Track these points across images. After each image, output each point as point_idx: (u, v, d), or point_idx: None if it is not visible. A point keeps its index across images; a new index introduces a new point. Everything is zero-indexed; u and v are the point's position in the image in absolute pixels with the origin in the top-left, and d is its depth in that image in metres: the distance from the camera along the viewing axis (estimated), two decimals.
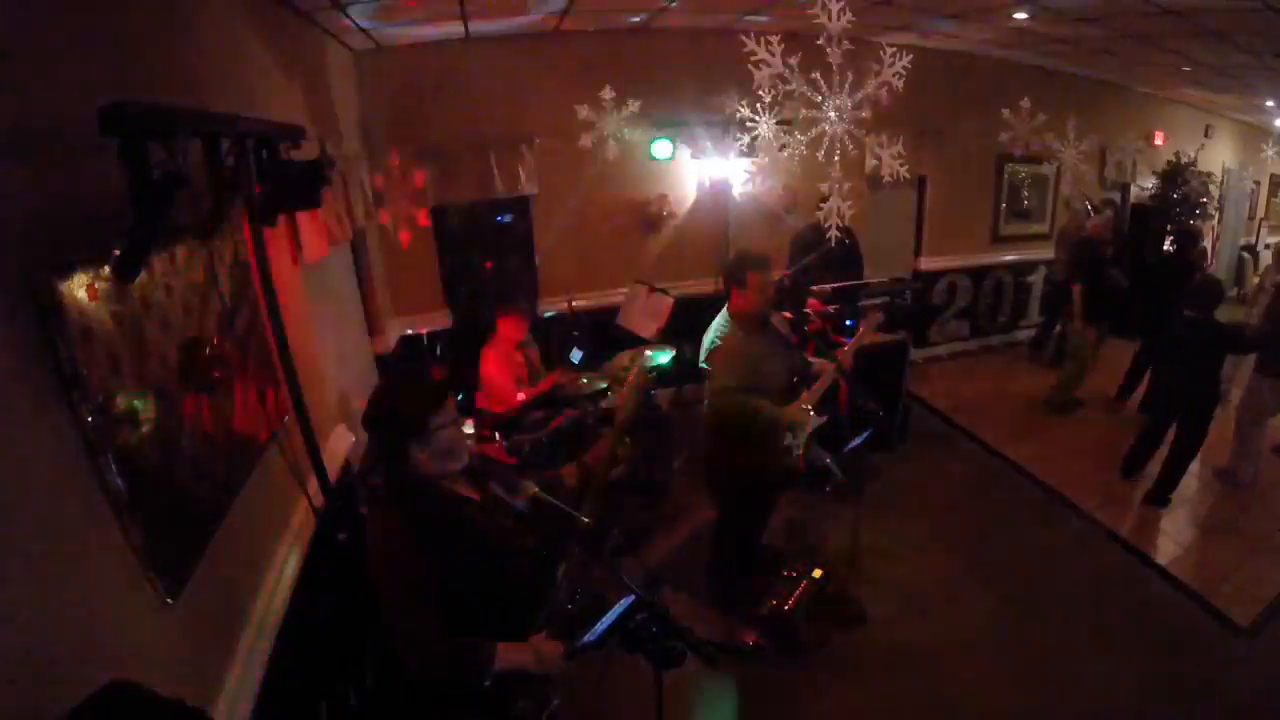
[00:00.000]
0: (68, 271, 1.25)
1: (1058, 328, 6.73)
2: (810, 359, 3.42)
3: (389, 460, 1.75)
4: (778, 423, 2.96)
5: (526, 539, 1.86)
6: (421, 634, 1.59)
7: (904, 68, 2.87)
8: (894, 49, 2.89)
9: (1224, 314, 4.31)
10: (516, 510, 1.91)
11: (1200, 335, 4.09)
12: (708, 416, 3.13)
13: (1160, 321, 4.78)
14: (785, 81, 2.87)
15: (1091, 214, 6.46)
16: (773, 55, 2.84)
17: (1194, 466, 4.39)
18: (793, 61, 2.86)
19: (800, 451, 3.04)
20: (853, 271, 5.52)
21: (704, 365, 3.07)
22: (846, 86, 2.94)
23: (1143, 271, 6.07)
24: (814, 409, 3.14)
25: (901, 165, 3.09)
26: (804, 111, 2.97)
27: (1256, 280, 8.05)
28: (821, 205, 3.11)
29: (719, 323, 3.09)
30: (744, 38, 2.84)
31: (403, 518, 1.66)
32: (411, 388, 1.80)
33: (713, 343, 3.04)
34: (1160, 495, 4.35)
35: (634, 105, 4.81)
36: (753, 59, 2.84)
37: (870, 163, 3.20)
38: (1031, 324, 7.63)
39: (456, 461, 1.75)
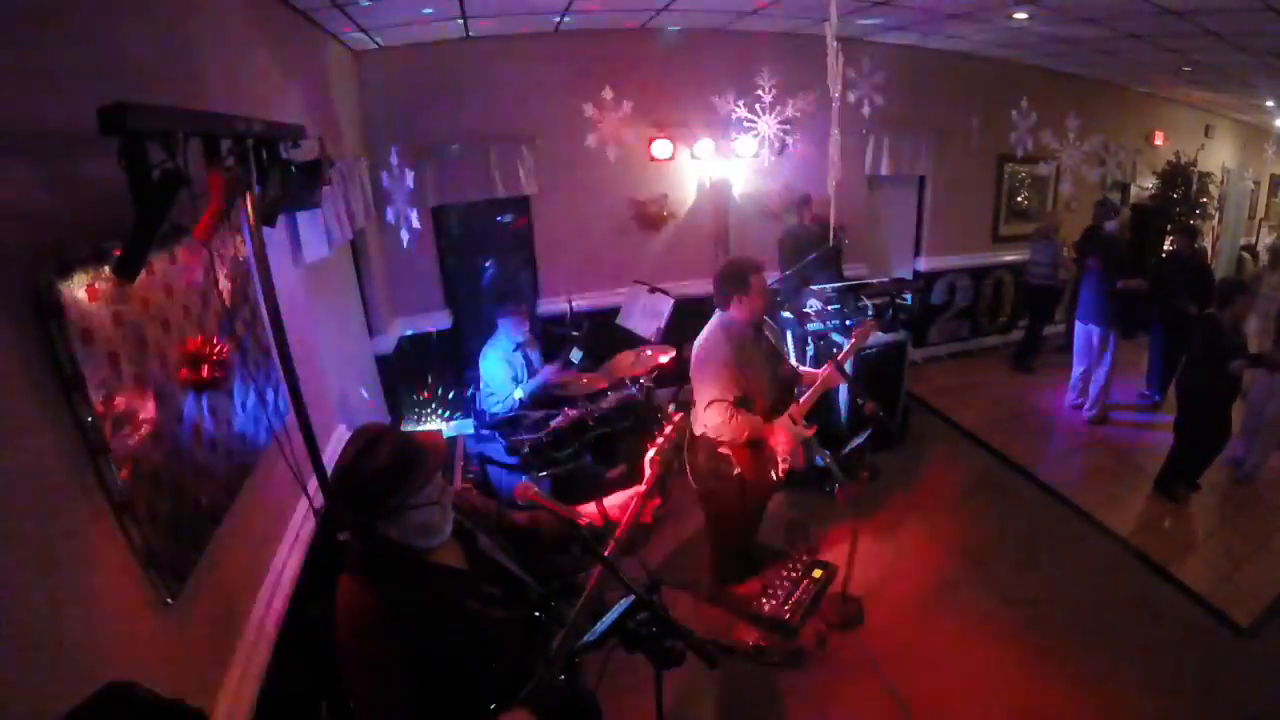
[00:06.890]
0: (68, 271, 1.24)
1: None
2: (801, 369, 3.33)
3: (355, 529, 1.56)
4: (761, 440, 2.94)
5: (519, 609, 1.65)
6: None
7: (843, 69, 3.03)
8: (837, 48, 2.96)
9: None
10: (511, 573, 1.71)
11: (1218, 335, 4.10)
12: (694, 430, 3.08)
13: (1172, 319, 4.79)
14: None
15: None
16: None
17: None
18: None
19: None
20: (834, 270, 5.49)
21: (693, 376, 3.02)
22: (840, 85, 3.00)
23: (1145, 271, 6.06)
24: (805, 421, 3.05)
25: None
26: (833, 108, 3.04)
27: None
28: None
29: (706, 336, 3.01)
30: (827, 25, 3.05)
31: (375, 591, 1.48)
32: (385, 462, 1.46)
33: (699, 354, 2.98)
34: (1167, 485, 4.37)
35: (632, 105, 4.81)
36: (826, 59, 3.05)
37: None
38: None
39: (431, 540, 1.53)
